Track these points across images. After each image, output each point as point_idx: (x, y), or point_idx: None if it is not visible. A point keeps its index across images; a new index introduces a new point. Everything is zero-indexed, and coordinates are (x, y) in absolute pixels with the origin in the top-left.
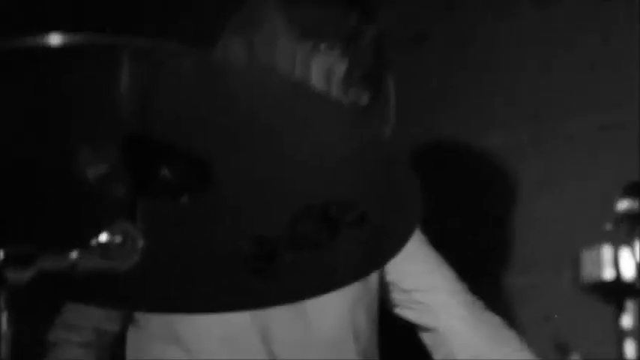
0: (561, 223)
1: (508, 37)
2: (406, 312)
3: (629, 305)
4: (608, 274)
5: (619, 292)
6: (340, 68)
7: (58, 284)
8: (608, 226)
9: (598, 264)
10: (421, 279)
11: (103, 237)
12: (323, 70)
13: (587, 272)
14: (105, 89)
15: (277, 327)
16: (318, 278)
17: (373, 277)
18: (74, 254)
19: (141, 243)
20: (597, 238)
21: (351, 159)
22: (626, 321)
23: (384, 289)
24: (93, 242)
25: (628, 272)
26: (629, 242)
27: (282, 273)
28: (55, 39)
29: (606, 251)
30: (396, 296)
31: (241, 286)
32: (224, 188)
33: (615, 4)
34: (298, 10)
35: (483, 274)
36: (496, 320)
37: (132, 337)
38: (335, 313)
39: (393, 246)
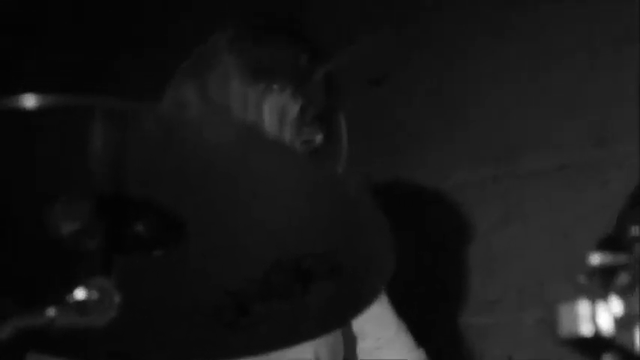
0: (522, 260)
1: (468, 75)
2: None
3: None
4: (586, 329)
5: (597, 347)
6: (293, 109)
7: (34, 340)
8: (582, 280)
9: (575, 319)
10: (381, 345)
11: (80, 293)
12: (276, 111)
13: (565, 327)
14: (77, 147)
15: None
16: (290, 329)
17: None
18: (51, 311)
19: (117, 298)
20: (572, 292)
21: (315, 207)
22: None
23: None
24: (69, 299)
25: (605, 327)
26: (604, 296)
27: (254, 325)
28: (29, 101)
29: (583, 306)
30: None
31: (213, 338)
32: (196, 242)
33: (570, 51)
34: (249, 52)
35: (446, 313)
36: None
37: None
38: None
39: (365, 297)
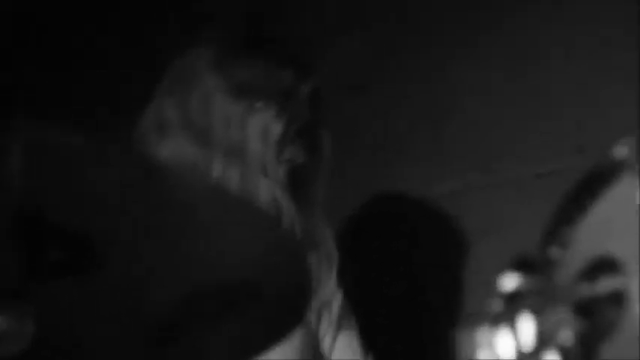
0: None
1: (448, 85)
2: None
3: None
4: (484, 356)
5: None
6: (276, 127)
7: None
8: (490, 304)
9: (473, 345)
10: None
11: None
12: (259, 129)
13: (464, 354)
14: None
15: None
16: (219, 354)
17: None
18: None
19: (31, 327)
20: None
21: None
22: None
23: None
24: None
25: (505, 354)
26: (510, 322)
27: (183, 350)
28: None
29: (482, 332)
30: None
31: None
32: (114, 269)
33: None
34: (231, 71)
35: (432, 324)
36: None
37: None
38: None
39: (290, 321)
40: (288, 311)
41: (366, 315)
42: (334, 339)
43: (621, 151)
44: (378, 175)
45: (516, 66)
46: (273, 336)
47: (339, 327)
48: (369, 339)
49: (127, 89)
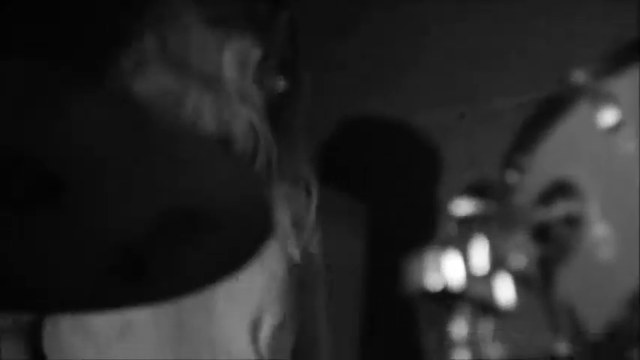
0: None
1: (434, 18)
2: None
3: (458, 313)
4: (433, 280)
5: (448, 299)
6: (253, 56)
7: None
8: (442, 229)
9: (422, 270)
10: None
11: None
12: (236, 58)
13: (412, 279)
14: None
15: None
16: (183, 280)
17: None
18: None
19: None
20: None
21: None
22: (456, 329)
23: None
24: None
25: (456, 279)
26: (461, 246)
27: (149, 276)
28: None
29: (431, 256)
30: None
31: (110, 291)
32: (80, 196)
33: None
34: (210, 1)
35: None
36: None
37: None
38: None
39: (253, 247)
40: (246, 241)
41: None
42: None
43: (579, 76)
44: (357, 108)
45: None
46: (231, 265)
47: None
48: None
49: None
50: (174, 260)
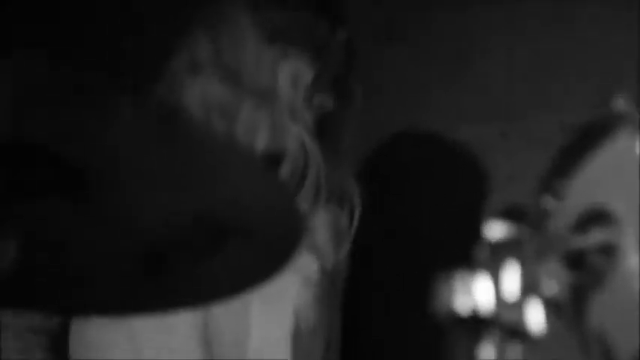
0: None
1: (480, 31)
2: None
3: (487, 338)
4: (462, 304)
5: (477, 325)
6: (308, 74)
7: None
8: (475, 252)
9: (452, 293)
10: None
11: None
12: (290, 75)
13: (441, 302)
14: None
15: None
16: (209, 286)
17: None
18: None
19: (13, 245)
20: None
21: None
22: (485, 354)
23: None
24: None
25: (485, 303)
26: (492, 271)
27: (176, 280)
28: None
29: (462, 279)
30: None
31: (136, 291)
32: (108, 195)
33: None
34: (267, 12)
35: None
36: None
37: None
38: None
39: (280, 260)
40: (276, 254)
41: (378, 259)
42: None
43: (620, 103)
44: (402, 120)
45: (551, 9)
46: (259, 277)
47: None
48: (378, 278)
49: (156, 29)
50: (202, 266)
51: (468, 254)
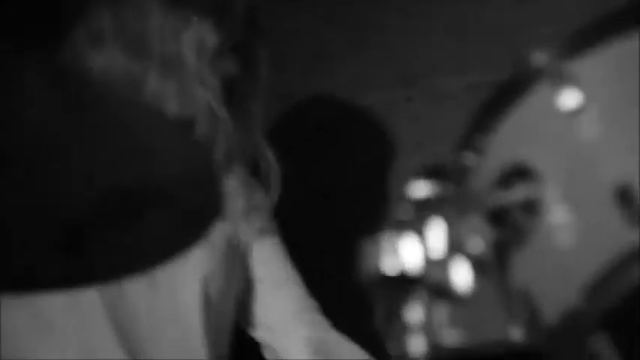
0: None
1: None
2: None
3: (414, 298)
4: (389, 264)
5: (402, 284)
6: (211, 40)
7: None
8: (398, 212)
9: (378, 254)
10: (265, 296)
11: None
12: (194, 42)
13: (368, 263)
14: None
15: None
16: (128, 259)
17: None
18: None
19: None
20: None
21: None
22: (412, 314)
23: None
24: None
25: (412, 261)
26: (418, 229)
27: (92, 254)
28: None
29: (388, 240)
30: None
31: (51, 269)
32: (23, 165)
33: None
34: None
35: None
36: (341, 342)
37: None
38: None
39: (200, 229)
40: (194, 223)
41: (290, 223)
42: (256, 247)
43: (540, 58)
44: (307, 89)
45: None
46: (177, 247)
47: (262, 234)
48: (292, 250)
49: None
50: (118, 239)
51: (380, 216)
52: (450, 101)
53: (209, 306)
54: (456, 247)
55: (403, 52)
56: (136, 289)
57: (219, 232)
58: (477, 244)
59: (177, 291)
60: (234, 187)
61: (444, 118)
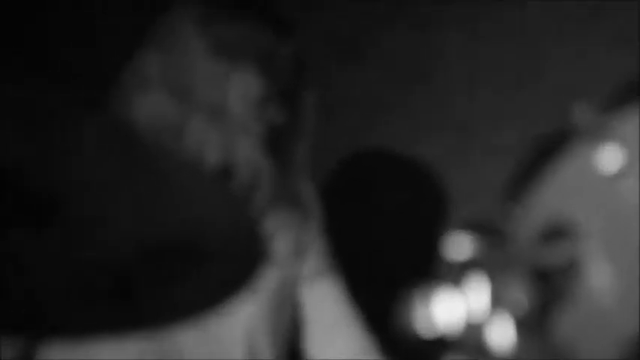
0: None
1: (437, 49)
2: None
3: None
4: (422, 324)
5: (438, 345)
6: (256, 87)
7: None
8: (440, 269)
9: (411, 313)
10: (320, 338)
11: None
12: (240, 89)
13: (403, 320)
14: None
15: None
16: (175, 308)
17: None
18: None
19: None
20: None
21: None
22: None
23: None
24: None
25: (452, 322)
26: (460, 286)
27: (139, 301)
28: None
29: (425, 297)
30: None
31: (100, 318)
32: (69, 217)
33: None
34: (216, 29)
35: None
36: None
37: None
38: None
39: (245, 278)
40: (238, 272)
41: (346, 270)
42: (312, 286)
43: (580, 115)
44: (362, 137)
45: (506, 29)
46: (226, 292)
47: (317, 274)
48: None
49: (106, 44)
50: (165, 288)
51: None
52: (504, 154)
53: (254, 355)
54: (497, 306)
55: (459, 102)
56: (183, 338)
57: (267, 278)
58: (520, 303)
59: (223, 341)
60: (279, 231)
61: (497, 170)
